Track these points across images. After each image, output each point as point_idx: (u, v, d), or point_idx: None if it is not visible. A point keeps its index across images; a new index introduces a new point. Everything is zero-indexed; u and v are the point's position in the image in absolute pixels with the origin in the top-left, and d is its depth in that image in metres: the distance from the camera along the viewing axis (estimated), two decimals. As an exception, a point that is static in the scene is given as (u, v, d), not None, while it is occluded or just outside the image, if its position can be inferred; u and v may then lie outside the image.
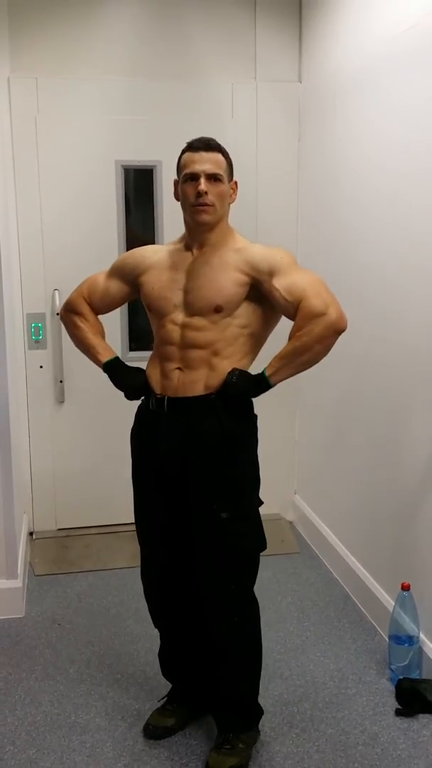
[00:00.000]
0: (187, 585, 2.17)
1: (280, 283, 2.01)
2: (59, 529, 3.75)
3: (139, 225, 3.66)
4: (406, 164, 2.56)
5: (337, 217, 3.22)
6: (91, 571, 3.41)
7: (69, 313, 2.26)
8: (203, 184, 2.00)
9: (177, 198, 2.13)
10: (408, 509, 2.64)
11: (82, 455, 3.70)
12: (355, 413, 3.11)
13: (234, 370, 2.03)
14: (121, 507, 3.75)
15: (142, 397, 2.17)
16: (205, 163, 2.01)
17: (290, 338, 2.01)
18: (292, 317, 2.03)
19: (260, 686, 2.26)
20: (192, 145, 2.06)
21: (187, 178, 2.03)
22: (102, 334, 2.27)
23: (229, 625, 2.11)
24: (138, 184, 3.64)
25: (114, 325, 3.46)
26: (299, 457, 3.85)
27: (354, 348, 3.03)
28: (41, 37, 3.39)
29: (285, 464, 3.87)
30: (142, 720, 2.34)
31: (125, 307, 3.58)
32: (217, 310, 2.02)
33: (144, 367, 2.18)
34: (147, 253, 2.20)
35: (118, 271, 2.23)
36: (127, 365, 2.21)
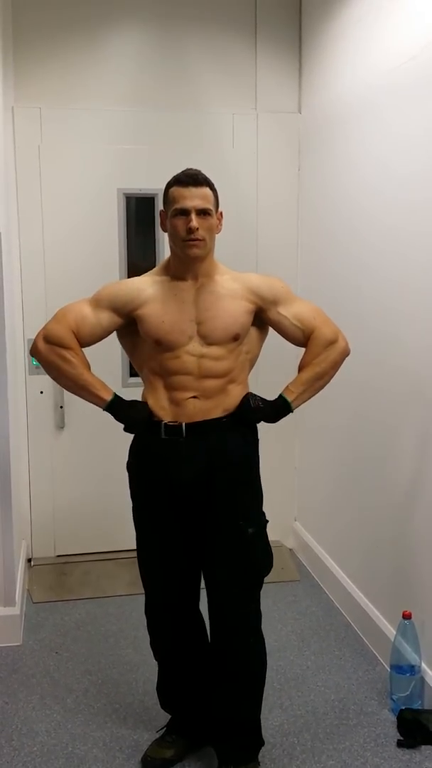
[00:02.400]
0: (194, 615, 2.25)
1: (288, 312, 2.15)
2: (58, 556, 3.72)
3: (140, 252, 3.69)
4: (404, 194, 2.59)
5: (337, 246, 3.25)
6: (90, 598, 3.38)
7: (55, 347, 2.08)
8: (194, 221, 2.01)
9: (164, 229, 2.13)
10: (409, 537, 2.62)
11: (81, 481, 3.69)
12: (355, 440, 3.10)
13: (253, 395, 2.14)
14: (120, 534, 3.76)
15: (135, 432, 2.15)
16: (195, 198, 2.02)
17: (305, 365, 2.16)
18: (301, 344, 2.18)
19: (260, 716, 2.24)
20: (180, 179, 2.06)
21: (177, 213, 2.03)
22: (90, 369, 2.15)
23: (245, 645, 2.15)
24: (139, 212, 3.67)
25: (113, 351, 3.47)
26: (299, 483, 3.84)
27: (354, 374, 3.03)
28: (45, 67, 3.45)
29: (285, 491, 3.85)
30: (141, 751, 2.31)
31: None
32: (235, 338, 2.10)
33: (136, 397, 2.17)
34: (137, 285, 2.13)
35: (110, 304, 2.11)
36: (125, 399, 2.14)
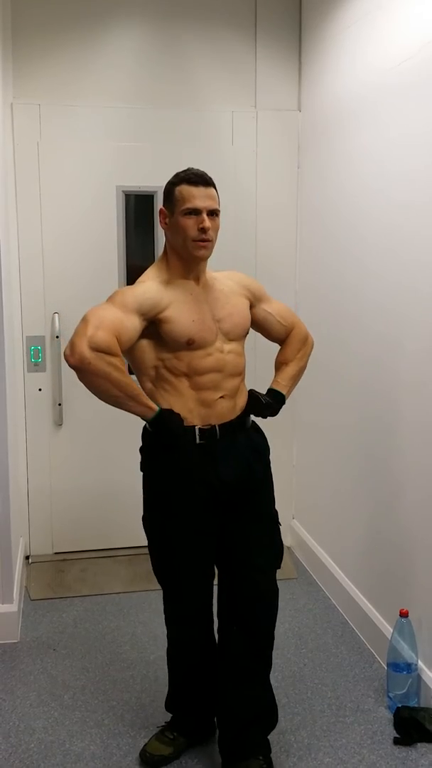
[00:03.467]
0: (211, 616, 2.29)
1: (271, 309, 2.31)
2: (56, 553, 3.73)
3: (139, 249, 3.69)
4: (404, 193, 2.59)
5: (336, 244, 3.25)
6: (87, 595, 3.38)
7: (104, 356, 1.90)
8: (207, 221, 2.02)
9: (165, 228, 2.10)
10: (407, 535, 2.63)
11: (79, 479, 3.69)
12: (353, 438, 3.11)
13: (256, 392, 2.23)
14: (118, 532, 3.77)
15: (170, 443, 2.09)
16: (206, 198, 2.03)
17: (288, 360, 2.32)
18: (281, 340, 2.34)
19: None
20: (190, 179, 2.04)
21: (187, 213, 2.03)
22: None
23: (271, 629, 2.25)
24: (138, 210, 3.67)
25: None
26: (297, 482, 3.85)
27: (352, 373, 3.04)
28: (44, 63, 3.44)
29: (283, 489, 3.80)
30: (138, 748, 2.32)
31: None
32: (245, 334, 2.21)
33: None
34: (155, 288, 2.07)
35: (137, 308, 2.00)
36: (165, 411, 2.06)
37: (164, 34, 3.54)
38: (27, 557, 3.68)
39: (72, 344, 1.91)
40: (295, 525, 3.87)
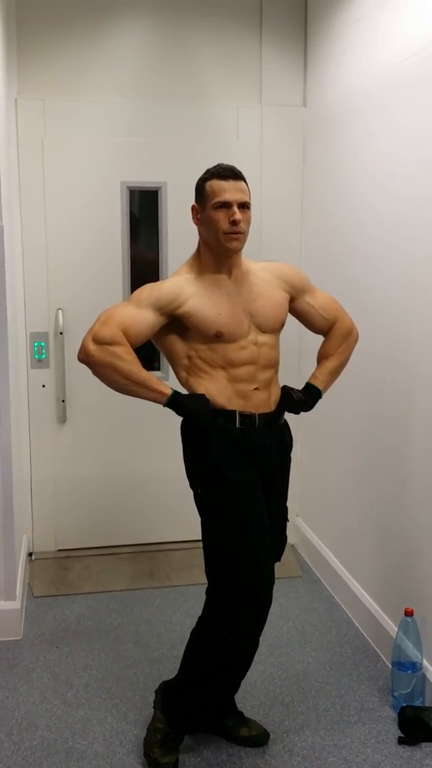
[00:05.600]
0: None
1: (315, 302, 2.32)
2: (59, 550, 3.72)
3: (143, 245, 3.68)
4: (410, 188, 2.57)
5: (341, 239, 3.23)
6: (91, 593, 3.37)
7: (107, 347, 2.01)
8: (238, 213, 2.06)
9: (198, 224, 2.15)
10: (412, 533, 2.61)
11: (82, 476, 3.68)
12: (358, 435, 3.09)
13: (289, 387, 2.26)
14: (122, 529, 3.77)
15: (201, 425, 2.11)
16: (236, 191, 2.07)
17: (329, 354, 2.33)
18: (324, 332, 2.36)
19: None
20: (219, 173, 2.09)
21: (218, 206, 2.06)
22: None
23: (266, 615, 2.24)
24: (143, 205, 3.65)
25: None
26: (302, 479, 3.83)
27: (358, 368, 3.01)
28: (48, 59, 3.43)
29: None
30: (140, 747, 2.31)
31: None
32: (282, 325, 2.23)
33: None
34: (176, 284, 2.12)
35: (153, 303, 2.07)
36: (186, 395, 2.12)
37: (169, 30, 3.52)
38: (30, 554, 3.67)
39: (82, 342, 2.05)
40: (299, 523, 3.86)
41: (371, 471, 2.97)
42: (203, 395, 2.11)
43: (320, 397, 2.30)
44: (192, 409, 2.10)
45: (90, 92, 3.48)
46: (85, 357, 2.04)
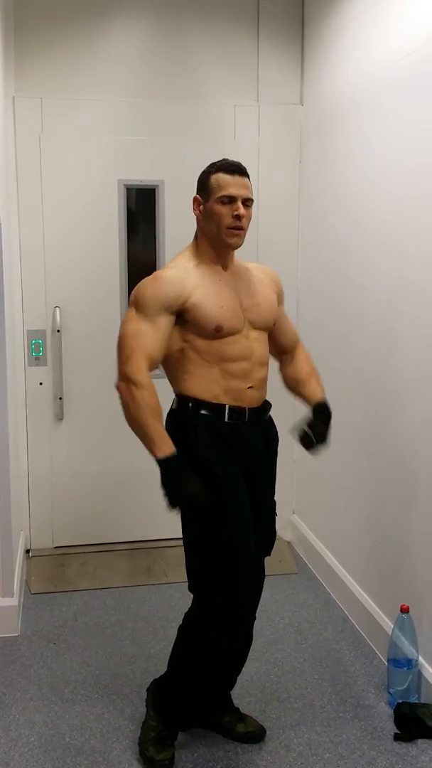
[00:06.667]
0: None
1: (285, 317, 2.35)
2: (56, 547, 3.73)
3: (141, 243, 3.68)
4: (406, 188, 2.58)
5: (338, 239, 3.24)
6: (88, 589, 3.38)
7: (133, 387, 2.01)
8: (242, 208, 2.06)
9: (199, 215, 2.12)
10: (408, 531, 2.62)
11: (80, 473, 3.69)
12: (354, 433, 3.10)
13: (306, 429, 2.28)
14: (118, 525, 3.78)
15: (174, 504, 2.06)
16: (241, 187, 2.07)
17: (311, 374, 2.37)
18: (287, 350, 2.37)
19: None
20: (226, 167, 2.08)
21: (223, 200, 2.06)
22: (157, 417, 2.04)
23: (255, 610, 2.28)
24: (140, 203, 3.66)
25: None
26: (298, 476, 3.84)
27: (354, 368, 3.03)
28: (46, 57, 3.43)
29: (284, 484, 3.79)
30: (136, 741, 2.32)
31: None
32: (273, 325, 2.24)
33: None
34: (177, 276, 2.07)
35: (161, 306, 2.03)
36: (183, 468, 2.02)
37: (166, 28, 3.52)
38: (27, 551, 3.68)
39: (117, 371, 2.06)
40: (295, 520, 3.87)
41: (367, 469, 2.98)
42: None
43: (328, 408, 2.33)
44: (175, 484, 2.00)
45: (87, 90, 3.48)
46: (118, 390, 2.04)
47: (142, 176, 3.57)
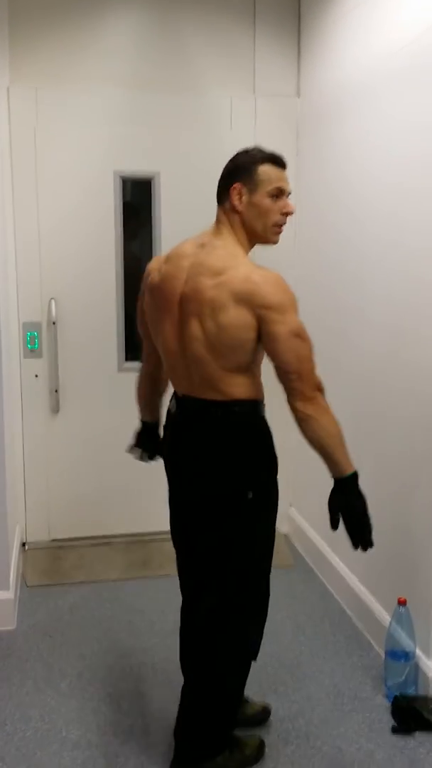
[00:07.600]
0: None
1: None
2: (52, 540, 3.71)
3: (136, 235, 3.65)
4: (404, 179, 2.56)
5: (335, 232, 3.22)
6: (84, 582, 3.38)
7: (323, 395, 2.03)
8: (291, 205, 1.97)
9: (239, 205, 1.94)
10: (405, 523, 2.62)
11: (76, 465, 3.68)
12: (351, 425, 3.08)
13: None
14: (115, 518, 3.76)
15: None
16: (287, 183, 1.98)
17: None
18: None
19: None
20: (275, 159, 1.96)
21: (274, 194, 1.95)
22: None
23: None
24: (135, 195, 3.64)
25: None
26: (295, 469, 3.83)
27: (353, 363, 3.03)
28: (41, 48, 3.40)
29: (280, 476, 3.80)
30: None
31: (122, 317, 3.59)
32: None
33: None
34: None
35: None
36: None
37: (163, 19, 3.49)
38: (23, 544, 3.67)
39: (308, 395, 1.96)
40: (292, 513, 3.87)
41: (364, 461, 2.96)
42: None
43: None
44: (351, 499, 2.05)
45: (83, 81, 3.46)
46: (312, 401, 1.99)
47: (138, 167, 3.54)
